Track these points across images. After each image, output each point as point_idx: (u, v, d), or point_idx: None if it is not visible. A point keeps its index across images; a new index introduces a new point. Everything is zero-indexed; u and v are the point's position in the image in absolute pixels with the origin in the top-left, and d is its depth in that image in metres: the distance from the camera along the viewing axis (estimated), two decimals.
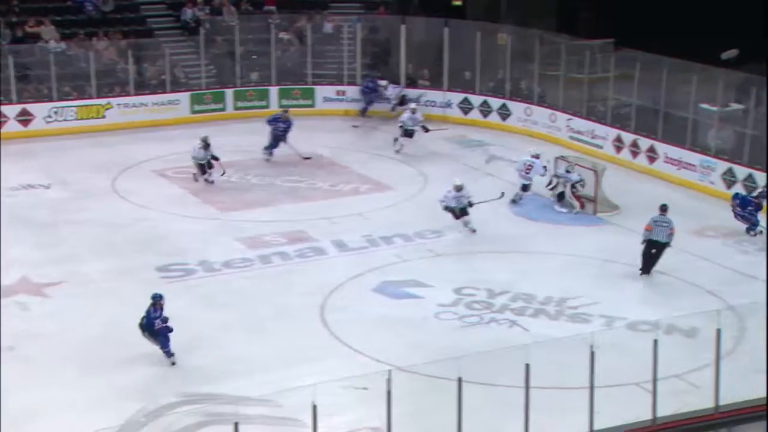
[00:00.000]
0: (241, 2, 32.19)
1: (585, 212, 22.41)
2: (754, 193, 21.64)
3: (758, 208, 21.12)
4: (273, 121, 26.07)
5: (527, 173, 22.58)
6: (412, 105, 27.16)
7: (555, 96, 28.20)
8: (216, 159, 23.89)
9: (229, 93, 30.06)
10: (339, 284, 18.79)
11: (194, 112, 29.53)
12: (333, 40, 31.28)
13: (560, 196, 22.81)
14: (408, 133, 26.36)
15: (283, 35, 31.14)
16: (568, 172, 22.68)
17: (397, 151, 26.31)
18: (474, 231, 20.86)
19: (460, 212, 20.82)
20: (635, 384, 14.09)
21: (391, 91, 29.44)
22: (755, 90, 23.09)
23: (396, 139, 26.48)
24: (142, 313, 15.49)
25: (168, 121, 28.87)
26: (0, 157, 23.82)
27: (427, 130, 26.65)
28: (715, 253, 19.61)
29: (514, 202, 22.75)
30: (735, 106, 23.93)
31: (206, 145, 23.79)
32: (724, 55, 27.42)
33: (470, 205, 20.76)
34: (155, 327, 15.38)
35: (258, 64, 30.57)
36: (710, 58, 25.38)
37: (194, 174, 24.10)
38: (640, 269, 19.12)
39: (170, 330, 15.45)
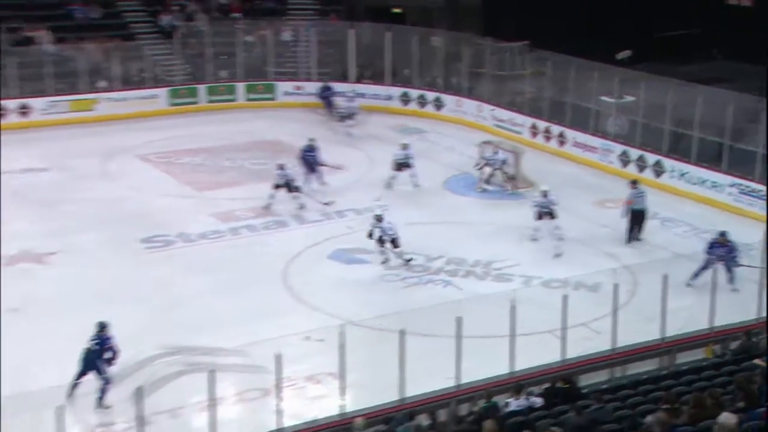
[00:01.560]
0: (211, 10, 31.85)
1: (505, 188, 22.47)
2: None
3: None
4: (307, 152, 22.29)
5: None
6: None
7: (481, 90, 28.24)
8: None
9: (202, 88, 29.70)
10: (299, 252, 18.77)
11: (172, 105, 29.19)
12: (291, 42, 31.05)
13: (488, 179, 22.49)
14: (398, 168, 22.46)
15: (248, 38, 30.86)
16: (495, 154, 22.65)
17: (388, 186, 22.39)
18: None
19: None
20: (548, 332, 14.24)
21: (344, 105, 27.92)
22: (644, 84, 23.35)
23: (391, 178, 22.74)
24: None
25: (149, 113, 28.46)
26: (1, 144, 23.42)
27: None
28: (613, 221, 19.84)
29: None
30: (628, 98, 24.17)
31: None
32: (619, 56, 27.68)
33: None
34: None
35: (226, 63, 30.27)
36: (608, 58, 25.63)
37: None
38: (629, 238, 19.08)
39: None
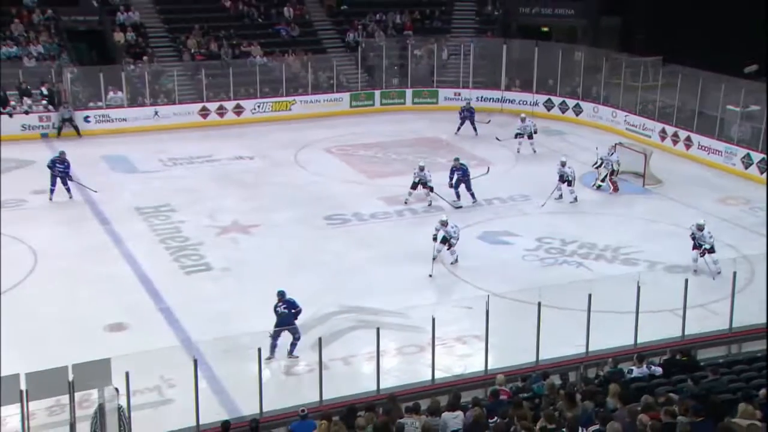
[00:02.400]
0: (388, 28, 32.14)
1: (635, 184, 21.60)
2: None
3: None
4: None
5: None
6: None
7: (616, 98, 27.25)
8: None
9: (377, 93, 29.97)
10: None
11: (352, 106, 29.56)
12: (452, 55, 30.94)
13: (605, 177, 21.19)
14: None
15: (417, 52, 30.97)
16: (611, 154, 21.34)
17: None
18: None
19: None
20: (670, 311, 13.67)
21: (519, 125, 24.41)
22: None
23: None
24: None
25: (334, 113, 28.97)
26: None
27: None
28: (735, 216, 18.74)
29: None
30: (753, 107, 22.72)
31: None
32: (747, 69, 26.01)
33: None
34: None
35: (398, 73, 30.48)
36: (736, 71, 24.18)
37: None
38: None
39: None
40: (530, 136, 24.27)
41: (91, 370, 10.03)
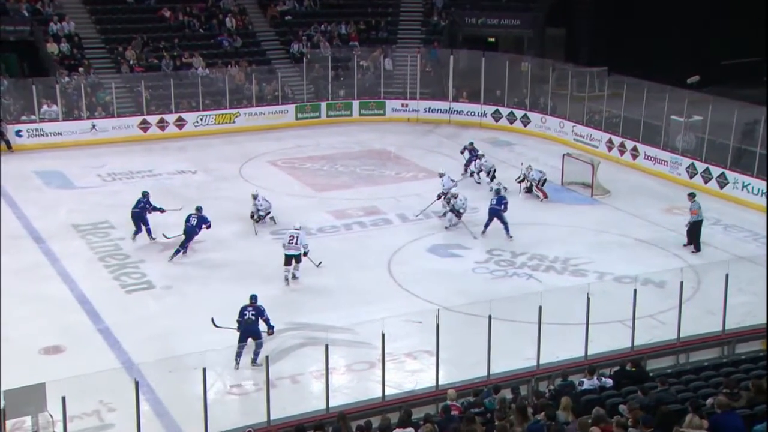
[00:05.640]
0: (333, 39, 32.19)
1: (583, 194, 22.04)
2: None
3: None
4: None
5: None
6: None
7: (564, 109, 27.74)
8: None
9: (323, 105, 30.01)
10: (401, 246, 18.80)
11: (298, 118, 29.48)
12: (399, 66, 31.12)
13: (528, 189, 21.75)
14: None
15: (363, 63, 31.07)
16: (529, 172, 21.85)
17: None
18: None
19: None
20: (619, 322, 13.92)
21: (479, 163, 23.20)
22: (710, 105, 22.51)
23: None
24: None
25: (279, 126, 28.86)
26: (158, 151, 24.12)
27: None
28: (680, 226, 19.17)
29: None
30: (696, 117, 23.37)
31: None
32: (690, 80, 26.77)
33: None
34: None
35: (344, 84, 30.53)
36: (679, 82, 24.84)
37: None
38: (695, 247, 18.14)
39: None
40: (493, 176, 22.27)
41: (25, 395, 9.77)
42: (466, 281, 16.93)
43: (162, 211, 18.97)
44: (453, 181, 21.05)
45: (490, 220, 19.24)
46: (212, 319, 13.77)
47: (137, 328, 14.72)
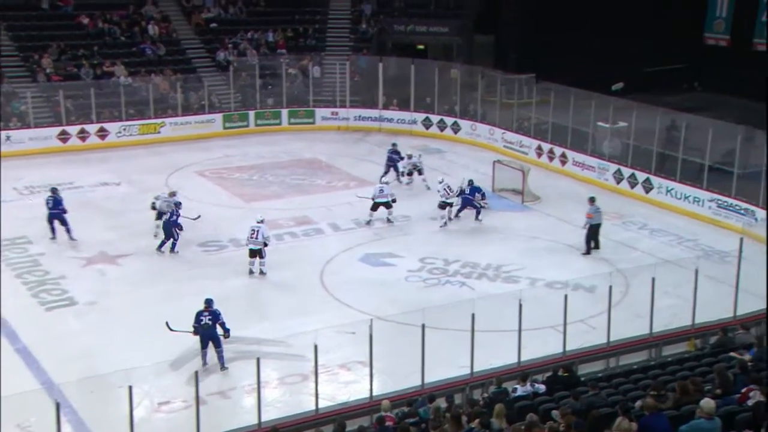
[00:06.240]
0: (260, 47, 31.97)
1: (514, 201, 22.34)
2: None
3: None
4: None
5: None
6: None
7: (493, 116, 28.14)
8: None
9: (251, 114, 29.76)
10: (333, 256, 18.75)
11: (226, 128, 29.18)
12: (328, 74, 31.11)
13: (441, 205, 20.56)
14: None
15: (291, 71, 30.95)
16: (410, 158, 23.34)
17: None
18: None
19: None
20: (551, 327, 14.13)
21: (405, 163, 23.81)
22: (635, 112, 23.15)
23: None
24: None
25: (206, 135, 28.53)
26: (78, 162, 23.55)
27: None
28: (608, 231, 19.60)
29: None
30: (622, 123, 23.98)
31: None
32: (614, 87, 27.50)
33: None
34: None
35: (272, 93, 30.36)
36: (604, 89, 25.44)
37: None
38: (588, 250, 18.66)
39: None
40: (420, 172, 23.38)
41: None
42: (398, 290, 16.96)
43: (193, 219, 19.20)
44: (410, 157, 23.19)
45: (462, 207, 20.67)
46: (167, 323, 13.63)
47: (58, 346, 14.30)
